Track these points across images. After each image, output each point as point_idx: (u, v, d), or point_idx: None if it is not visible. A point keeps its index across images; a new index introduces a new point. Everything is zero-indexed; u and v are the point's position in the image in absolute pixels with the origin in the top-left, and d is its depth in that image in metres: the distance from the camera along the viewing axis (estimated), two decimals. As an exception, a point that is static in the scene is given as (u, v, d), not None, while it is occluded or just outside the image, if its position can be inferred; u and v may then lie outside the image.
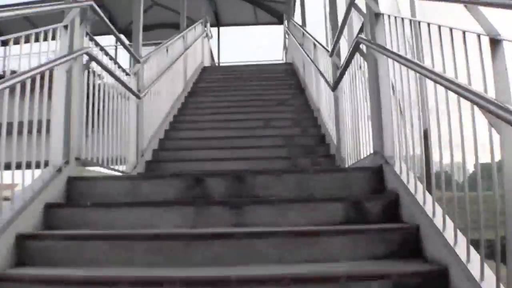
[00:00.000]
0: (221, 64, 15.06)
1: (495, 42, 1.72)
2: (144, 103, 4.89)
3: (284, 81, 8.78)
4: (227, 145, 5.47)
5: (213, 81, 8.95)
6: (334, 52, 4.36)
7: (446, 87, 1.89)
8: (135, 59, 4.67)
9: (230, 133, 5.84)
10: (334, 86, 4.33)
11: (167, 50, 6.47)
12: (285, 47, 13.30)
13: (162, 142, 5.66)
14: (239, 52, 16.28)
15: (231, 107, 6.97)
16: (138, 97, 4.55)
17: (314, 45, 6.34)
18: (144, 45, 14.10)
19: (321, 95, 5.81)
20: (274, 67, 10.17)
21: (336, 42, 4.20)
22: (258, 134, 5.78)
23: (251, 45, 17.45)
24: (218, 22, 15.17)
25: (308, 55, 6.55)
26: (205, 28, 10.88)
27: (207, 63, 11.12)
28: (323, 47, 5.03)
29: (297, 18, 11.10)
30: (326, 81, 4.80)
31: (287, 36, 11.98)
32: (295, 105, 7.07)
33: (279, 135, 5.72)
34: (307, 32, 7.25)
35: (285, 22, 11.79)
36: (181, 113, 6.93)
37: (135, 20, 5.09)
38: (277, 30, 15.38)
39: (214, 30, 14.79)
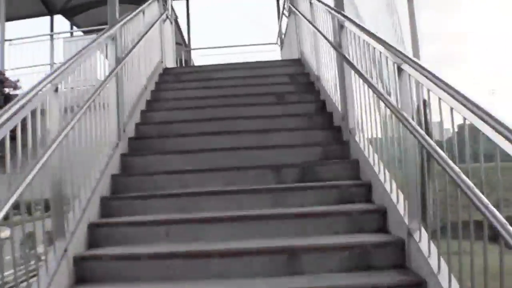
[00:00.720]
0: (192, 51, 11.16)
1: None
2: None
3: (297, 103, 5.11)
4: None
5: (176, 106, 5.22)
6: None
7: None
8: None
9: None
10: None
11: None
12: (280, 33, 9.48)
13: None
14: (215, 33, 12.32)
15: (217, 197, 3.37)
16: None
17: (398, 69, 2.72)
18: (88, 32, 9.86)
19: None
20: (274, 70, 6.42)
21: None
22: None
23: (232, 21, 13.39)
24: (187, -7, 11.19)
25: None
26: (165, 7, 7.05)
27: (170, 61, 7.34)
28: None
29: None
30: None
31: (286, 14, 8.17)
32: (341, 188, 3.45)
33: None
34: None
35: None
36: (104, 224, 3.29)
37: None
38: (268, 3, 11.53)
39: (181, 4, 10.91)
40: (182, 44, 11.91)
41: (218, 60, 10.49)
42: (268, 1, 11.50)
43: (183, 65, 9.92)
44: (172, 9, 7.58)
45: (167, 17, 6.99)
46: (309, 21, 5.45)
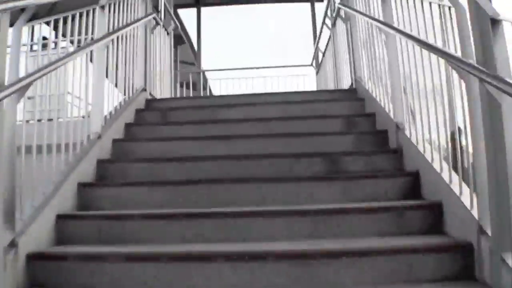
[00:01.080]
0: (206, 74, 8.90)
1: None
2: None
3: (365, 179, 2.75)
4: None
5: (145, 177, 2.91)
6: None
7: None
8: None
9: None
10: None
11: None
12: (317, 53, 7.15)
13: None
14: (232, 51, 10.10)
15: None
16: None
17: None
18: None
19: None
20: (316, 106, 3.99)
21: None
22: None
23: (253, 37, 11.16)
24: (197, 0, 8.95)
25: None
26: (157, 10, 4.82)
27: (164, 89, 5.06)
28: None
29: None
30: None
31: (328, 24, 5.83)
32: None
33: None
34: None
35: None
36: None
37: None
38: (299, 11, 9.26)
39: (191, 12, 8.73)
40: (195, 64, 9.70)
41: (235, 84, 8.35)
42: (300, 14, 9.19)
43: (190, 91, 7.68)
44: (169, 13, 5.33)
45: (156, 22, 4.73)
46: (388, 26, 3.07)
